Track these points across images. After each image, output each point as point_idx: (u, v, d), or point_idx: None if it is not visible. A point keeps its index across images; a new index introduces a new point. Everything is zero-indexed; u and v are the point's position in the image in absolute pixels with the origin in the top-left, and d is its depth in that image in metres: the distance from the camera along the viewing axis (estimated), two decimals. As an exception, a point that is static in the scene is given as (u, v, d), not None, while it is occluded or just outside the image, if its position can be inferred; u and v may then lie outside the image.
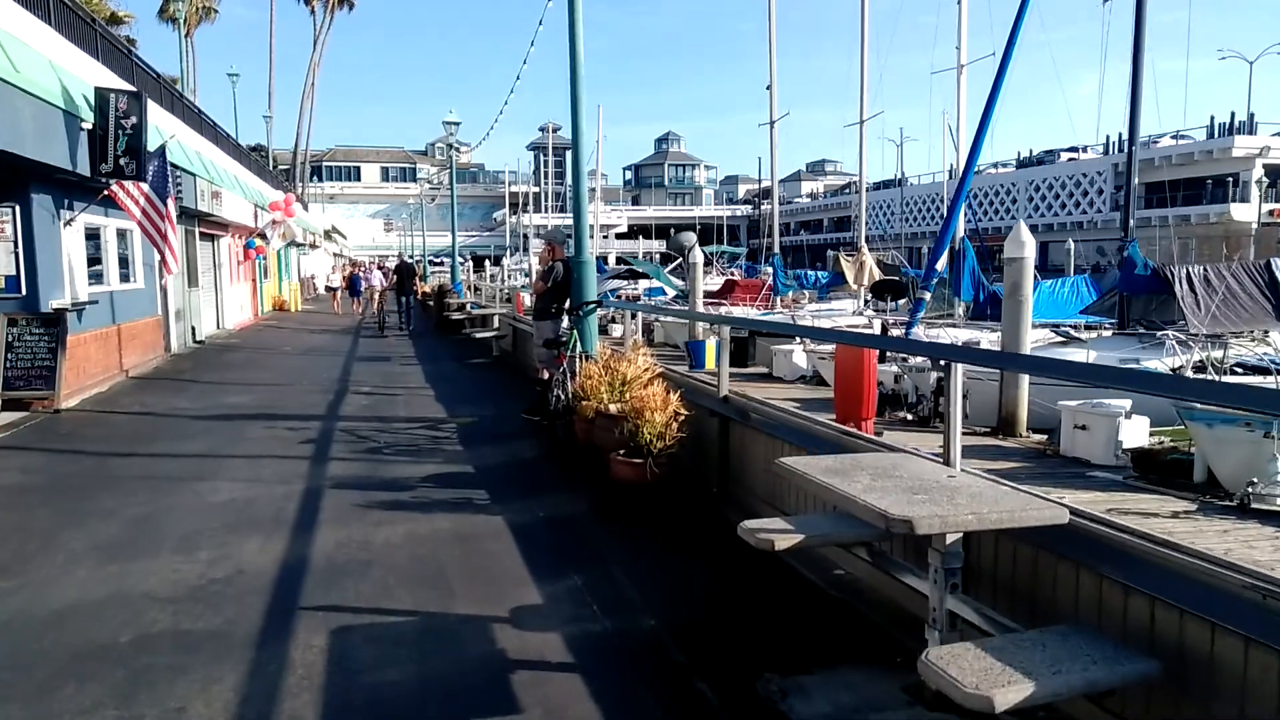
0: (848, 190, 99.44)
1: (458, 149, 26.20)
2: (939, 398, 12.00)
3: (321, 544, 5.40)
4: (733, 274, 41.11)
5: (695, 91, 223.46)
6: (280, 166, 47.20)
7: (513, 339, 16.07)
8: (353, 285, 32.09)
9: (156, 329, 15.37)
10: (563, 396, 8.07)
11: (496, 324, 16.50)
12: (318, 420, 9.78)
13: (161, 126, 14.24)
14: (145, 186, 11.50)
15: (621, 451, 6.16)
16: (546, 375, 9.56)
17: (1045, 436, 9.79)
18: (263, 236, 26.01)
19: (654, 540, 5.59)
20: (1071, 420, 8.95)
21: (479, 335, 15.64)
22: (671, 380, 7.45)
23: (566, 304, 9.43)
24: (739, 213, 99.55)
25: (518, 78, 20.48)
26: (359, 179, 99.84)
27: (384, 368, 15.18)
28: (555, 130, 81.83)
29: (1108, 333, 16.07)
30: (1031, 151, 69.53)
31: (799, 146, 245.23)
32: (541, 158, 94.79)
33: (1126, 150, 15.49)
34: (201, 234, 19.84)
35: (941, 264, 15.20)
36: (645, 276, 34.73)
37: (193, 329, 18.33)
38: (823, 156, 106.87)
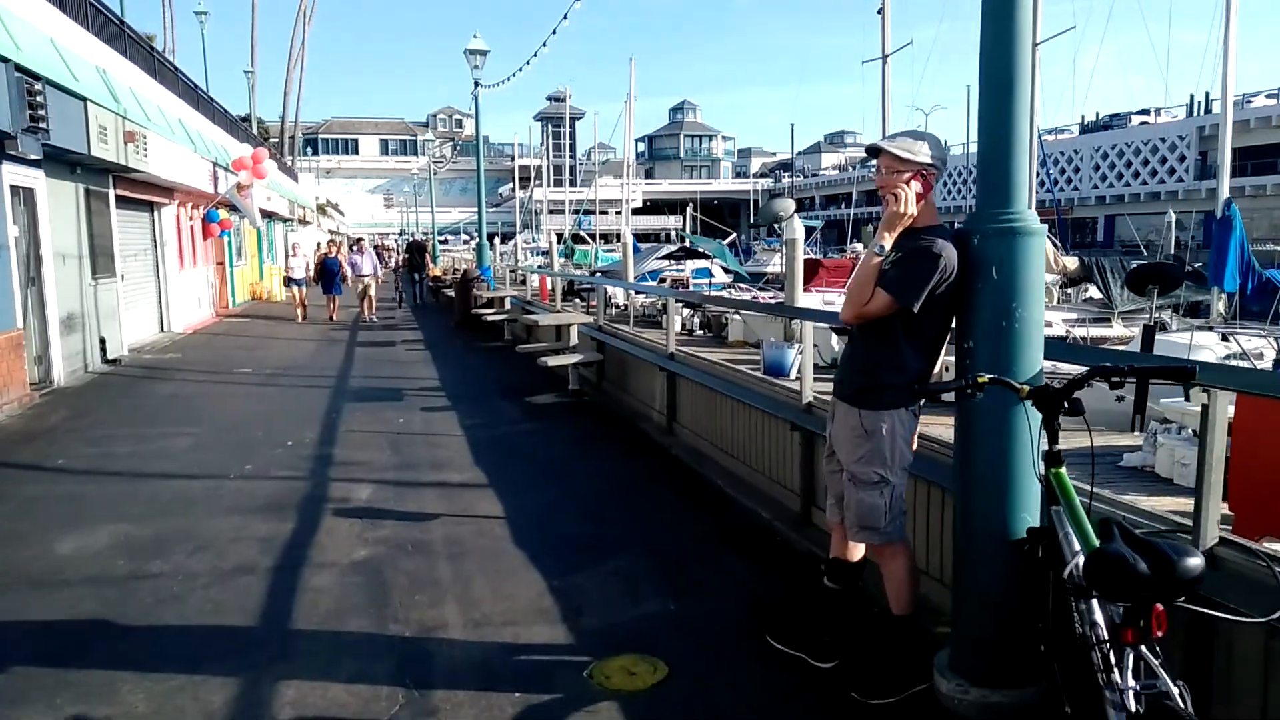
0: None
1: (483, 86, 19.95)
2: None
3: None
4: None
5: (700, 66, 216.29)
6: (271, 140, 41.08)
7: (600, 365, 9.88)
8: (326, 274, 20.32)
9: (11, 353, 9.16)
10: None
11: (574, 339, 10.26)
12: (247, 663, 3.61)
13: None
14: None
15: None
16: (859, 555, 3.41)
17: None
18: (228, 206, 19.75)
19: None
20: None
21: (552, 364, 9.38)
22: None
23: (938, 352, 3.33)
24: (759, 186, 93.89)
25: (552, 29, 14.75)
26: (357, 152, 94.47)
27: (396, 415, 8.97)
28: (568, 98, 75.47)
29: None
30: (1098, 115, 63.00)
31: (811, 120, 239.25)
32: (550, 128, 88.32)
33: None
34: (121, 198, 13.57)
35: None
36: (699, 256, 28.84)
37: (102, 342, 12.13)
38: (841, 128, 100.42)
